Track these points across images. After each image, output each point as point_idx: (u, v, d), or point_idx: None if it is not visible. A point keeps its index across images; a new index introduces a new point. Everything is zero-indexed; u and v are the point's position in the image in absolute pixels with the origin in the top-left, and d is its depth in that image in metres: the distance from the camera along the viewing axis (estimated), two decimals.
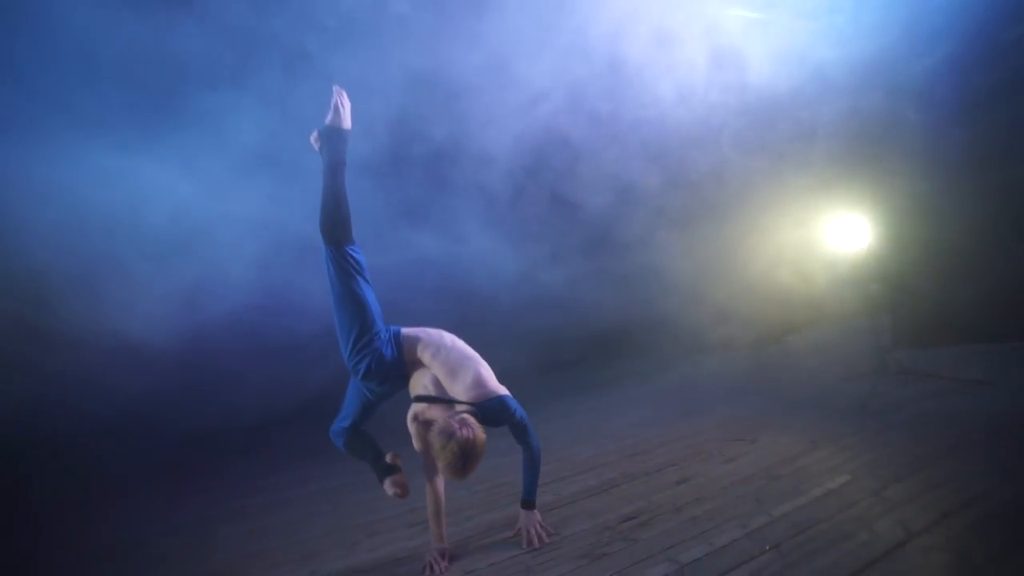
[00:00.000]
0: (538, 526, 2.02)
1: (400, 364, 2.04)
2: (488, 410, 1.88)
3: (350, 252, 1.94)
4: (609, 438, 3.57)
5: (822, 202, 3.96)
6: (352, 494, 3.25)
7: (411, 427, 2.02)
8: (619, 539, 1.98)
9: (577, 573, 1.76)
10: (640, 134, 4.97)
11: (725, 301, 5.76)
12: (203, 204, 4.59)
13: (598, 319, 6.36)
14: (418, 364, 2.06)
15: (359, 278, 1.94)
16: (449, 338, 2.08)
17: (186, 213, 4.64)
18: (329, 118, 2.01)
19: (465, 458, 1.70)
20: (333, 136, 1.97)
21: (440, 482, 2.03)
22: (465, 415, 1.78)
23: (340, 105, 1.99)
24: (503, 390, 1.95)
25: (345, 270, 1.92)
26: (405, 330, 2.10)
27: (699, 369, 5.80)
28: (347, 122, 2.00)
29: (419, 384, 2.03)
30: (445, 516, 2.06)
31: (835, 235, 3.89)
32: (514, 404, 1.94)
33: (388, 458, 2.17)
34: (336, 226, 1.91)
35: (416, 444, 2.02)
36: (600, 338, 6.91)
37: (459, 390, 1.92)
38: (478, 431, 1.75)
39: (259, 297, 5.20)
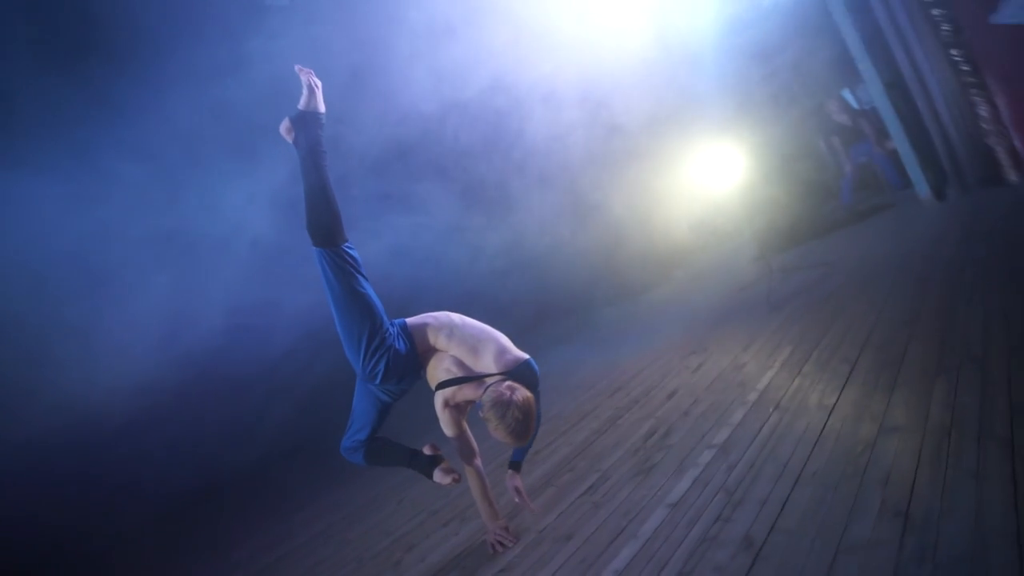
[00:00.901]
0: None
1: (414, 356, 1.97)
2: (519, 376, 1.92)
3: (347, 251, 1.79)
4: (580, 388, 3.81)
5: (698, 143, 4.68)
6: (365, 518, 3.00)
7: (444, 414, 1.96)
8: (655, 451, 2.20)
9: (641, 488, 1.93)
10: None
11: (630, 246, 6.46)
12: None
13: (530, 281, 6.59)
14: (431, 351, 2.01)
15: (359, 276, 1.81)
16: (457, 317, 2.06)
17: None
18: (302, 101, 1.79)
19: (527, 419, 1.74)
20: (309, 122, 1.77)
21: (479, 461, 2.02)
22: (508, 382, 1.81)
23: (314, 85, 1.79)
24: (525, 354, 2.01)
25: (344, 271, 1.77)
26: (410, 320, 2.03)
27: (623, 312, 6.40)
28: (322, 104, 1.82)
29: (439, 369, 1.97)
30: (492, 493, 2.07)
31: (711, 171, 4.64)
32: (536, 366, 2.02)
33: (427, 450, 2.07)
34: (328, 225, 1.74)
35: (451, 430, 1.97)
36: (537, 301, 7.14)
37: (486, 363, 1.93)
38: (526, 391, 1.80)
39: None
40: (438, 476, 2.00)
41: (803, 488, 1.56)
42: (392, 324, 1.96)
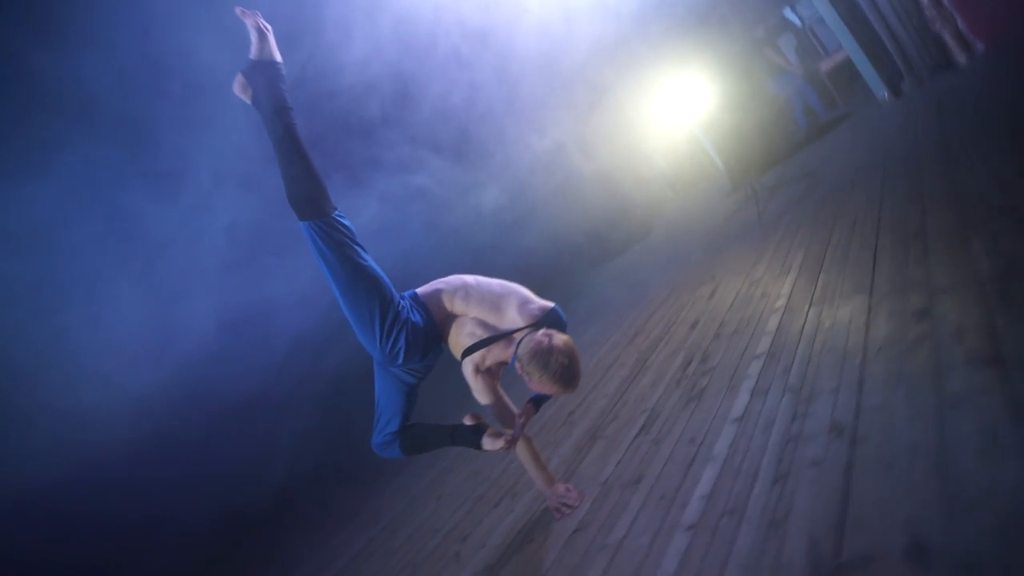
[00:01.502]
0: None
1: (434, 326, 1.80)
2: (549, 324, 1.78)
3: (338, 219, 1.58)
4: (596, 344, 3.70)
5: (656, 78, 4.60)
6: (407, 523, 2.82)
7: (476, 382, 1.80)
8: (698, 377, 2.09)
9: (698, 414, 1.82)
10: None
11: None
12: None
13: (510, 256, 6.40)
14: (450, 318, 1.84)
15: (357, 247, 1.61)
16: (470, 277, 1.89)
17: None
18: (253, 50, 1.54)
19: (573, 363, 1.60)
20: (266, 73, 1.54)
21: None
22: (542, 330, 1.66)
23: (263, 28, 1.56)
24: (550, 302, 1.87)
25: (340, 242, 1.57)
26: (420, 290, 1.85)
27: (616, 269, 6.33)
28: (277, 52, 1.59)
29: (462, 335, 1.81)
30: (543, 455, 1.92)
31: (672, 107, 4.58)
32: (563, 313, 1.88)
33: (468, 420, 1.88)
34: (312, 193, 1.52)
35: (487, 397, 1.81)
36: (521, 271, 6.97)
37: (511, 318, 1.77)
38: (563, 334, 1.66)
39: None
40: (488, 443, 1.79)
41: (873, 366, 1.47)
42: (402, 297, 1.78)
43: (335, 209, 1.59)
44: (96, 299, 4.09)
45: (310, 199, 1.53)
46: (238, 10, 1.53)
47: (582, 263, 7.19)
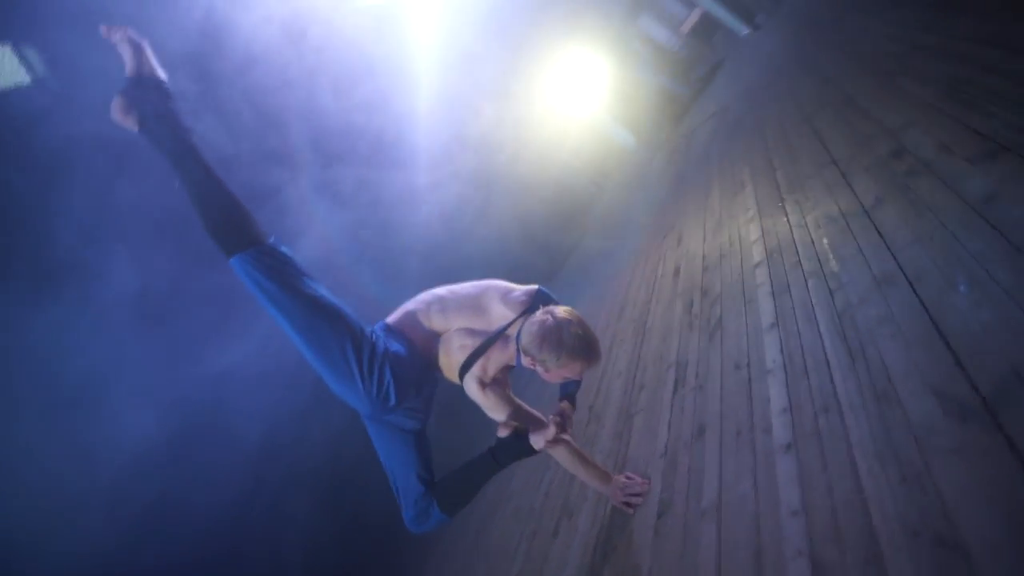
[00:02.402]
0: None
1: (418, 354, 1.53)
2: (541, 304, 1.58)
3: (274, 247, 1.31)
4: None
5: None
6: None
7: (485, 398, 1.53)
8: (708, 310, 1.95)
9: (727, 342, 1.66)
10: None
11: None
12: None
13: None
14: (433, 339, 1.58)
15: (306, 278, 1.35)
16: (439, 288, 1.65)
17: None
18: (129, 68, 1.27)
19: (587, 331, 1.40)
20: (153, 89, 1.26)
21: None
22: (538, 312, 1.45)
23: (138, 42, 1.25)
24: (532, 284, 1.67)
25: (283, 272, 1.29)
26: (389, 319, 1.59)
27: (572, 264, 6.25)
28: (159, 68, 1.31)
29: (453, 351, 1.56)
30: (588, 453, 1.67)
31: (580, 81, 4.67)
32: (550, 292, 1.69)
33: (503, 432, 1.57)
34: (235, 220, 1.24)
35: (503, 409, 1.54)
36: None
37: (499, 314, 1.55)
38: (562, 307, 1.46)
39: None
40: (538, 440, 1.47)
41: (881, 214, 1.38)
42: (372, 330, 1.51)
43: (268, 237, 1.32)
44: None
45: (234, 226, 1.25)
46: (102, 29, 1.28)
47: (537, 276, 7.12)
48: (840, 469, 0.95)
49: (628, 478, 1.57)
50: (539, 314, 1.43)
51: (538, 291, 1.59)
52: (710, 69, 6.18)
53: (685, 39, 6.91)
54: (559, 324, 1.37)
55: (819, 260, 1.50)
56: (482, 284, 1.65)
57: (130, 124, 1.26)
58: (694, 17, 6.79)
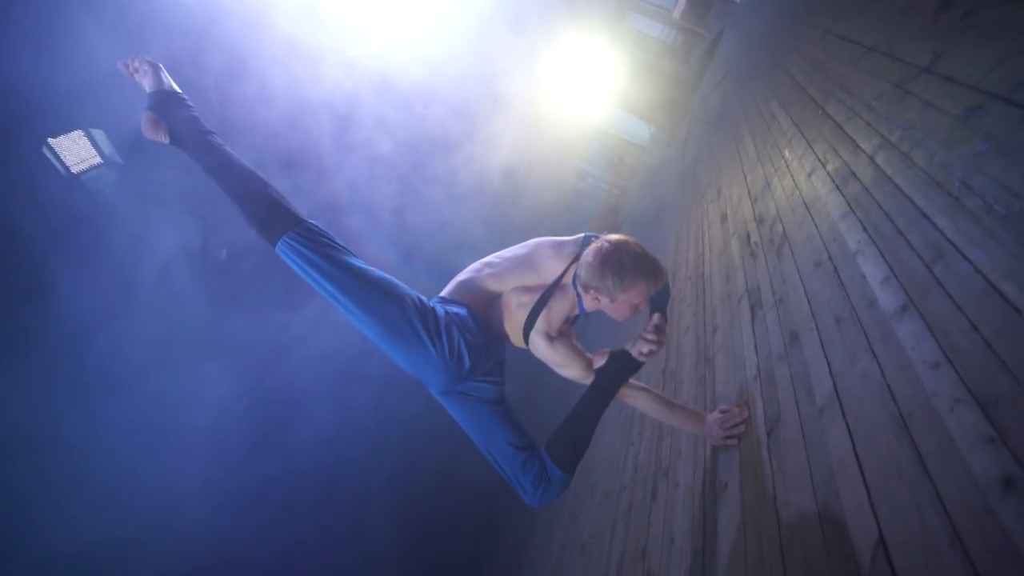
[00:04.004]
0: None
1: (480, 318, 1.48)
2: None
3: (314, 225, 1.31)
4: None
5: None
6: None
7: (554, 353, 1.44)
8: (767, 232, 1.82)
9: (797, 250, 1.53)
10: None
11: None
12: None
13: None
14: (491, 304, 1.53)
15: (348, 252, 1.35)
16: (488, 256, 1.62)
17: None
18: (150, 83, 1.35)
19: (643, 250, 1.33)
20: (176, 101, 1.33)
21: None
22: (591, 246, 1.39)
23: (152, 63, 1.35)
24: (578, 233, 1.61)
25: (332, 247, 1.28)
26: (443, 292, 1.56)
27: None
28: (174, 84, 1.40)
29: (512, 311, 1.49)
30: (673, 397, 1.54)
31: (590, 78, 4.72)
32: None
33: (600, 360, 1.43)
34: (276, 200, 1.28)
35: (575, 363, 1.44)
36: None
37: (552, 267, 1.49)
38: (612, 235, 1.40)
39: None
40: (637, 350, 1.34)
41: (972, 70, 1.26)
42: (428, 300, 1.48)
43: (308, 218, 1.34)
44: None
45: (273, 211, 1.27)
46: (119, 64, 1.39)
47: None
48: (981, 302, 0.82)
49: (723, 411, 1.43)
50: (593, 247, 1.37)
51: (585, 237, 1.53)
52: (711, 43, 6.14)
53: (679, 26, 6.94)
54: (615, 246, 1.31)
55: (882, 135, 1.38)
56: (530, 243, 1.60)
57: (162, 136, 1.34)
58: (682, 2, 6.83)
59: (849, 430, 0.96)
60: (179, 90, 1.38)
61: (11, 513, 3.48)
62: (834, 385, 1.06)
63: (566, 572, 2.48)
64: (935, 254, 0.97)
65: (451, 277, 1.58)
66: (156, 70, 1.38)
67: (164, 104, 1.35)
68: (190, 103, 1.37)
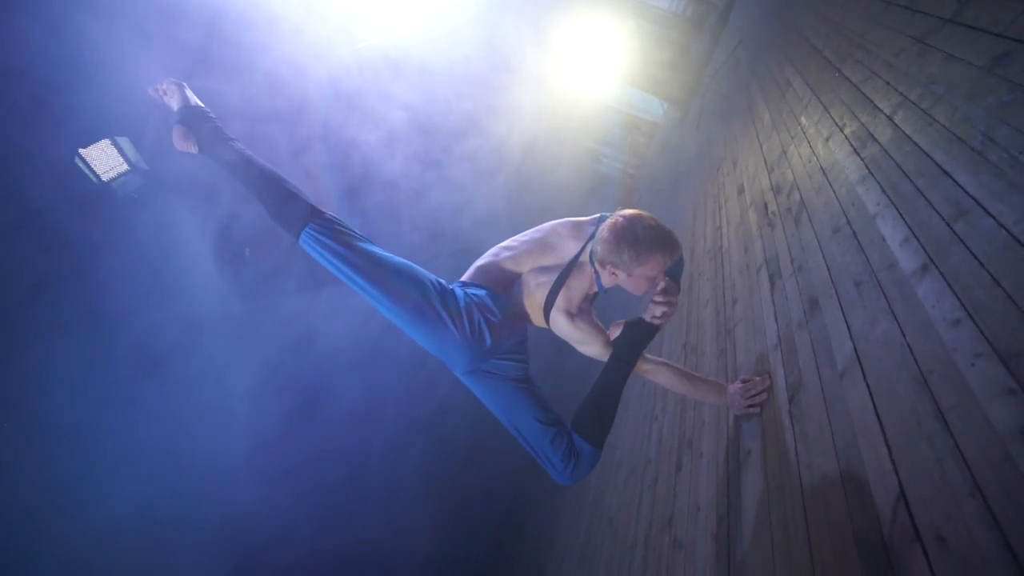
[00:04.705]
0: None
1: (503, 300, 1.50)
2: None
3: (333, 216, 1.37)
4: None
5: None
6: (595, 556, 2.27)
7: (575, 330, 1.45)
8: (785, 202, 1.80)
9: (816, 216, 1.51)
10: None
11: None
12: None
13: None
14: (510, 285, 1.55)
15: (366, 240, 1.40)
16: (507, 241, 1.64)
17: None
18: (177, 100, 1.45)
19: (658, 223, 1.34)
20: (200, 113, 1.41)
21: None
22: (605, 222, 1.40)
23: (177, 82, 1.44)
24: (592, 213, 1.62)
25: (351, 235, 1.34)
26: (464, 277, 1.59)
27: None
28: (197, 99, 1.48)
29: (532, 290, 1.51)
30: (692, 369, 1.55)
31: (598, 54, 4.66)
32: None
33: (616, 329, 1.47)
34: (297, 193, 1.35)
35: (596, 339, 1.44)
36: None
37: (569, 246, 1.50)
38: (627, 210, 1.40)
39: None
40: (651, 316, 1.37)
41: (997, 16, 1.22)
42: (448, 284, 1.52)
43: (324, 208, 1.39)
44: None
45: (296, 202, 1.34)
46: (150, 90, 1.48)
47: None
48: (1003, 256, 0.81)
49: (744, 381, 1.44)
50: (606, 226, 1.38)
51: (601, 217, 1.54)
52: (723, 11, 5.95)
53: None
54: (630, 220, 1.32)
55: (902, 94, 1.34)
56: (546, 225, 1.62)
57: (191, 147, 1.43)
58: None
59: (870, 391, 0.97)
60: (203, 104, 1.46)
61: (67, 492, 3.76)
62: (854, 348, 1.06)
63: (595, 547, 2.55)
64: (956, 211, 0.95)
65: (474, 257, 1.61)
66: (181, 88, 1.47)
67: (191, 118, 1.43)
68: (212, 115, 1.45)
